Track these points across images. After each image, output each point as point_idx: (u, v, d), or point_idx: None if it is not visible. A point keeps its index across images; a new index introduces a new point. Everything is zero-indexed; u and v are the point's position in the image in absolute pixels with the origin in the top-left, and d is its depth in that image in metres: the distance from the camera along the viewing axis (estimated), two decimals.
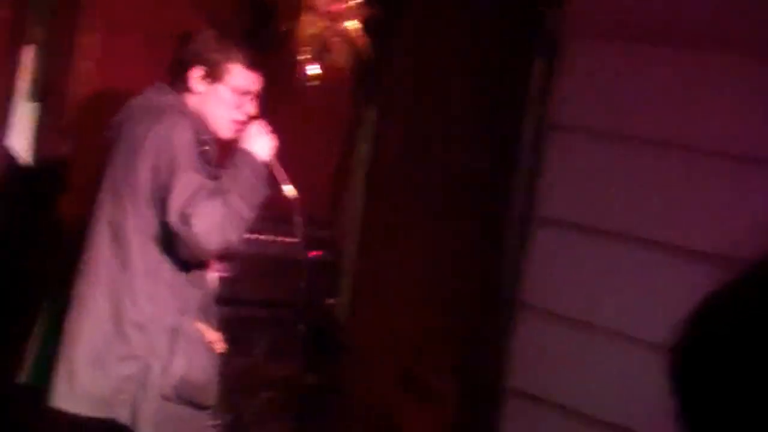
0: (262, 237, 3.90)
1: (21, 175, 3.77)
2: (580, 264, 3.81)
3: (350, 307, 4.44)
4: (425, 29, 4.36)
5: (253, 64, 3.14)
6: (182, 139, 2.93)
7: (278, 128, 4.22)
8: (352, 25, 4.05)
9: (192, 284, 3.02)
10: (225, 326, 3.73)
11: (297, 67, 3.99)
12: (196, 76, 3.10)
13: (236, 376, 3.80)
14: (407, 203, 4.39)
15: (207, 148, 3.02)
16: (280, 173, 3.24)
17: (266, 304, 3.96)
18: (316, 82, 4.05)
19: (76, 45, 3.70)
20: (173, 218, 2.86)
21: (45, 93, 3.80)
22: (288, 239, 3.94)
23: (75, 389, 2.92)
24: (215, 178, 2.96)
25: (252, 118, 3.16)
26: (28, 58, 3.73)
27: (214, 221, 2.85)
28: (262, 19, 4.07)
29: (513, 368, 3.94)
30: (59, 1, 3.76)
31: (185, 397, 2.96)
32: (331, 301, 4.13)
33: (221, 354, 3.14)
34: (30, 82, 3.77)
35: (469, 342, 4.12)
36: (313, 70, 4.02)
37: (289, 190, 3.27)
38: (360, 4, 4.06)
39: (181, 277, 2.99)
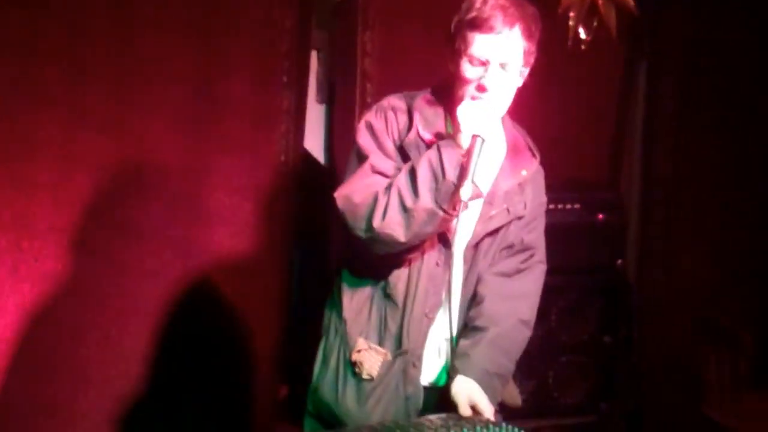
0: None
1: (318, 174, 3.95)
2: None
3: (638, 266, 4.43)
4: None
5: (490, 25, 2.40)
6: (361, 127, 2.56)
7: (548, 96, 4.29)
8: None
9: None
10: None
11: (567, 31, 4.00)
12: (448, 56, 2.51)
13: (536, 343, 3.92)
14: (686, 159, 4.35)
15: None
16: (474, 165, 2.38)
17: (557, 272, 3.97)
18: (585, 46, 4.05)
19: (357, 45, 3.74)
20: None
21: (331, 94, 3.94)
22: (569, 205, 3.96)
23: None
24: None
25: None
26: (313, 63, 3.87)
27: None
28: None
29: None
30: (338, 5, 3.88)
31: None
32: (620, 261, 4.07)
33: None
34: (317, 85, 3.93)
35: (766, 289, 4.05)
36: (582, 33, 4.02)
37: (465, 190, 2.33)
38: None
39: None
